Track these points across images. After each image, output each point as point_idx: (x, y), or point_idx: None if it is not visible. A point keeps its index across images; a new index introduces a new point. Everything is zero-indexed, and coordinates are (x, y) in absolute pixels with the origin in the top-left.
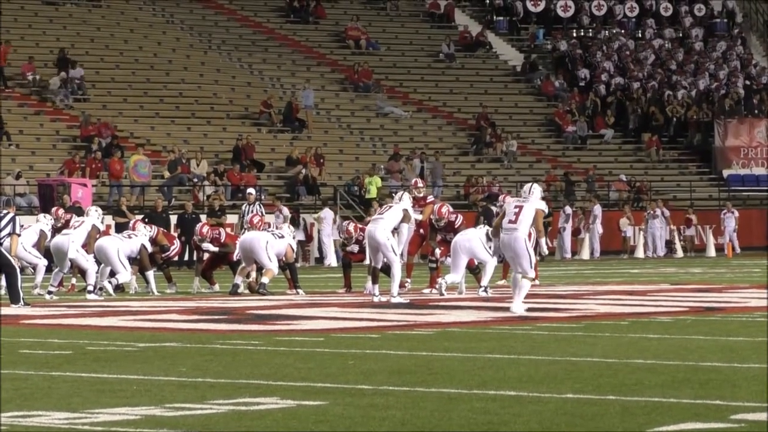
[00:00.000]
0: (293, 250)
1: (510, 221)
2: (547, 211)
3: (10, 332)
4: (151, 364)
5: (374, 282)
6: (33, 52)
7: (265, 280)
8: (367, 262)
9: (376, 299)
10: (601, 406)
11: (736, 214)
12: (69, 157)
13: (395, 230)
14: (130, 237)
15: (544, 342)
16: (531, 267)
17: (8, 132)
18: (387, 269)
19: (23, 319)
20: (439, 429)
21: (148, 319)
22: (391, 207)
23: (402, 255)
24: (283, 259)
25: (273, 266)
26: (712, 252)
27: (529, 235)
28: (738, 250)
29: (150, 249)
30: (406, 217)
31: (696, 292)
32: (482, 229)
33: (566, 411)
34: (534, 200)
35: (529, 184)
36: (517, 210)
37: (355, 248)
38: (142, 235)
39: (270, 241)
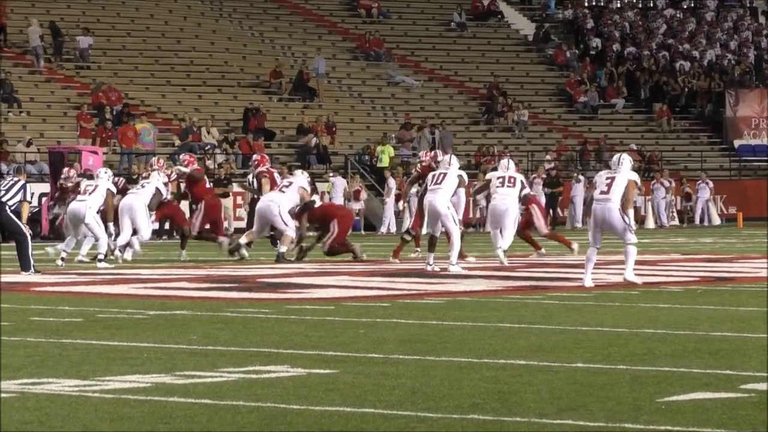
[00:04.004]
0: (307, 190)
1: (602, 192)
2: (639, 182)
3: (21, 299)
4: (162, 331)
5: (431, 250)
6: (45, 19)
7: (282, 249)
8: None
9: (429, 268)
10: (611, 376)
11: (711, 185)
12: (80, 122)
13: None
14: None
15: (555, 311)
16: (632, 233)
17: (19, 99)
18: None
19: (34, 287)
20: (450, 398)
21: (158, 287)
22: (445, 175)
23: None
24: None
25: (290, 231)
26: (716, 221)
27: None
28: (717, 221)
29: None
30: (461, 182)
31: (706, 262)
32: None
33: (576, 380)
34: (625, 171)
35: (618, 155)
36: (608, 181)
37: None
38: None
39: (282, 204)
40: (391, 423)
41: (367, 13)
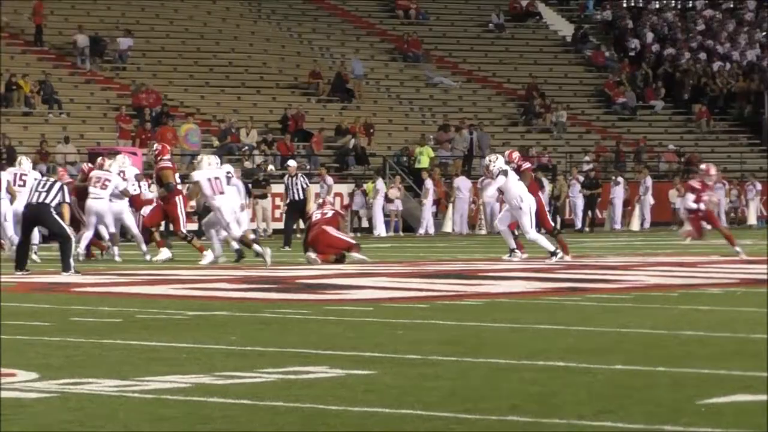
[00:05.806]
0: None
1: None
2: None
3: (62, 300)
4: (201, 332)
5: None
6: (84, 21)
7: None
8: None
9: None
10: (650, 378)
11: (759, 187)
12: (119, 123)
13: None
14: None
15: (594, 313)
16: None
17: (59, 100)
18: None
19: (74, 287)
20: (488, 399)
21: (197, 287)
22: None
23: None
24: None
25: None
26: (753, 220)
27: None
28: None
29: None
30: None
31: (746, 263)
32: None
33: (615, 382)
34: None
35: None
36: None
37: None
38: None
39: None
40: (429, 424)
41: (405, 14)
